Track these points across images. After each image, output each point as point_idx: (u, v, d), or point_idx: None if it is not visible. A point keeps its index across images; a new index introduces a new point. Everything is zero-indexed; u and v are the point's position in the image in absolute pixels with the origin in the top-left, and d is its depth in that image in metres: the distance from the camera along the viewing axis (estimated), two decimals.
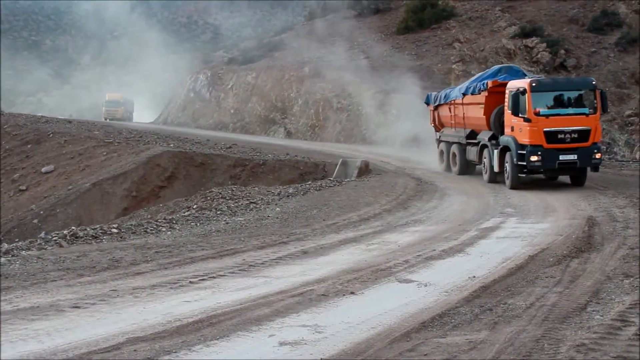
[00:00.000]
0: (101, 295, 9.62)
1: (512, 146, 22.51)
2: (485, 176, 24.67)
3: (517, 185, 22.79)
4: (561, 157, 22.04)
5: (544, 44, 43.01)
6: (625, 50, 42.66)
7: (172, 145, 31.67)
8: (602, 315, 8.45)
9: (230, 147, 32.42)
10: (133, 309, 8.96)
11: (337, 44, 52.29)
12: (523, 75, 24.55)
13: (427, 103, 30.95)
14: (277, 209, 18.91)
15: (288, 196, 21.18)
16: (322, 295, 9.65)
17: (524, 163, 22.15)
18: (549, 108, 22.16)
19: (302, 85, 49.48)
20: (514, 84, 22.91)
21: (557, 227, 15.57)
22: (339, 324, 8.28)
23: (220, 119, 55.50)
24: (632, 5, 46.12)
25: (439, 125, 29.75)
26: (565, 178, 24.08)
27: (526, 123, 22.13)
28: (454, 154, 27.61)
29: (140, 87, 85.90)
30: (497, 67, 27.00)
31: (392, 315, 8.66)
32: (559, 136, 22.00)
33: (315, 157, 30.65)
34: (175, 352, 7.26)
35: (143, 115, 72.29)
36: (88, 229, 16.21)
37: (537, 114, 21.98)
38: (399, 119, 42.18)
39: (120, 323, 8.28)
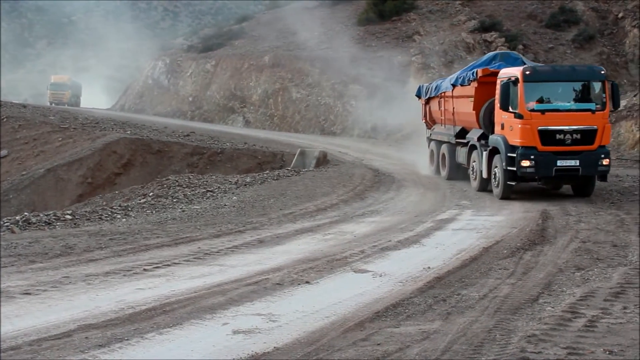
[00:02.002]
0: (53, 281, 9.50)
1: (502, 148, 18.75)
2: (474, 183, 20.85)
3: (508, 195, 19.03)
4: (559, 163, 18.21)
5: (503, 39, 43.38)
6: (582, 47, 43.24)
7: (129, 132, 31.34)
8: (553, 307, 8.56)
9: (188, 135, 32.19)
10: (85, 296, 8.86)
11: (297, 34, 52.15)
12: (522, 64, 20.73)
13: (419, 96, 27.26)
14: (234, 197, 18.85)
15: (245, 185, 21.12)
16: (277, 284, 9.65)
17: (515, 169, 18.38)
18: (545, 102, 18.50)
19: (262, 75, 49.31)
20: (505, 72, 19.27)
21: (511, 219, 15.74)
22: (293, 313, 8.27)
23: (179, 107, 55.08)
24: (589, 2, 46.72)
25: (430, 122, 26.07)
26: (568, 188, 20.25)
27: (517, 120, 18.32)
28: (444, 155, 23.91)
29: (98, 72, 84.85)
30: (492, 53, 23.22)
31: (346, 305, 8.68)
32: (557, 137, 18.20)
33: (273, 147, 30.59)
34: (127, 339, 7.19)
35: (100, 102, 71.03)
36: (41, 215, 16.01)
37: (531, 109, 18.23)
38: (358, 110, 42.29)
39: (71, 310, 8.18)
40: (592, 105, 18.42)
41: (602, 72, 18.96)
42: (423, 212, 16.94)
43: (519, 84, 18.34)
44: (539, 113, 18.22)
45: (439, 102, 24.43)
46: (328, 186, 20.97)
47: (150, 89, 60.02)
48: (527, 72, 18.41)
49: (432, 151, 25.59)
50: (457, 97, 22.46)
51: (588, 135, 18.31)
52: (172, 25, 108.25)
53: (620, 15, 44.89)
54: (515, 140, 18.43)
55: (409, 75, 42.27)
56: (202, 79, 54.52)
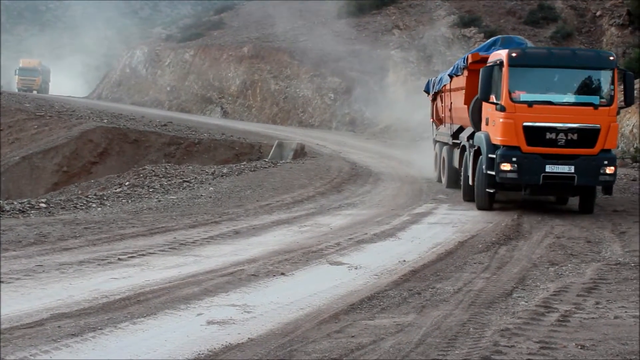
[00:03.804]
0: (26, 270, 9.41)
1: (483, 147, 15.80)
2: (462, 191, 17.88)
3: (486, 205, 16.12)
4: (548, 169, 15.06)
5: (482, 34, 43.49)
6: (559, 44, 43.44)
7: (105, 120, 31.16)
8: (527, 301, 8.62)
9: (165, 125, 32.05)
10: (59, 284, 8.78)
11: (276, 26, 52.06)
12: None
13: (427, 92, 23.96)
14: (211, 188, 18.78)
15: (222, 176, 21.05)
16: (253, 275, 9.62)
17: (494, 173, 15.36)
18: (535, 92, 15.39)
19: (240, 66, 49.19)
20: (494, 56, 16.23)
21: (487, 214, 15.80)
22: (268, 304, 8.26)
23: (156, 97, 54.81)
24: (568, 0, 46.99)
25: (437, 121, 22.66)
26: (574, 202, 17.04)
27: (500, 113, 15.29)
28: (444, 160, 20.67)
29: (75, 60, 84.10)
30: (493, 38, 19.55)
31: (321, 296, 8.67)
32: (547, 136, 15.06)
33: (251, 138, 30.55)
34: (100, 328, 7.14)
35: (77, 90, 70.33)
36: (15, 203, 15.84)
37: (516, 99, 15.17)
38: (336, 102, 42.29)
39: (44, 299, 8.11)
40: (594, 99, 15.27)
41: (612, 58, 15.56)
42: (399, 206, 16.98)
43: (503, 69, 15.30)
44: (524, 105, 15.11)
45: (441, 97, 21.73)
46: (305, 178, 20.95)
47: (128, 78, 59.67)
48: (514, 55, 15.34)
49: (436, 155, 22.33)
50: (453, 89, 19.64)
51: (587, 136, 15.12)
52: (151, 15, 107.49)
53: (598, 13, 45.19)
54: (497, 139, 15.46)
55: (388, 69, 42.34)
56: (180, 69, 54.28)
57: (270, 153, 26.33)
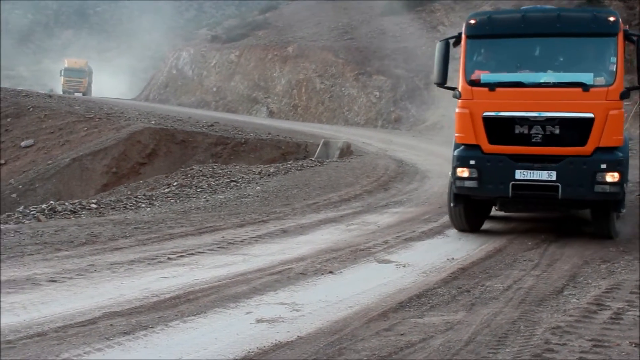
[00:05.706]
0: (78, 269, 9.56)
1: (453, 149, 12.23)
2: None
3: (461, 224, 12.81)
4: (519, 175, 11.35)
5: None
6: None
7: (153, 122, 31.46)
8: (578, 299, 8.50)
9: (212, 125, 32.26)
10: (110, 284, 8.91)
11: (321, 25, 52.10)
12: None
13: None
14: (258, 187, 18.87)
15: (269, 175, 21.14)
16: (301, 273, 9.65)
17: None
18: (503, 71, 11.78)
19: (286, 65, 49.34)
20: None
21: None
22: (316, 302, 8.27)
23: (203, 97, 55.26)
24: None
25: None
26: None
27: (457, 101, 11.91)
28: None
29: (122, 62, 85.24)
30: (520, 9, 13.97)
31: (370, 294, 8.66)
32: (517, 130, 11.31)
33: (297, 137, 30.59)
34: (151, 327, 7.22)
35: (124, 91, 71.23)
36: (67, 204, 16.12)
37: (475, 82, 11.68)
38: (381, 101, 42.18)
39: (97, 297, 8.23)
40: (586, 77, 11.12)
41: (612, 19, 11.18)
42: (447, 203, 16.84)
43: (461, 43, 11.97)
44: (485, 89, 11.52)
45: None
46: (352, 177, 20.93)
47: (175, 79, 60.27)
48: (472, 22, 11.78)
49: None
50: None
51: (574, 129, 11.15)
52: (196, 16, 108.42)
53: None
54: (455, 135, 12.07)
55: (433, 67, 42.08)
56: (226, 70, 54.66)
57: (317, 152, 26.35)
